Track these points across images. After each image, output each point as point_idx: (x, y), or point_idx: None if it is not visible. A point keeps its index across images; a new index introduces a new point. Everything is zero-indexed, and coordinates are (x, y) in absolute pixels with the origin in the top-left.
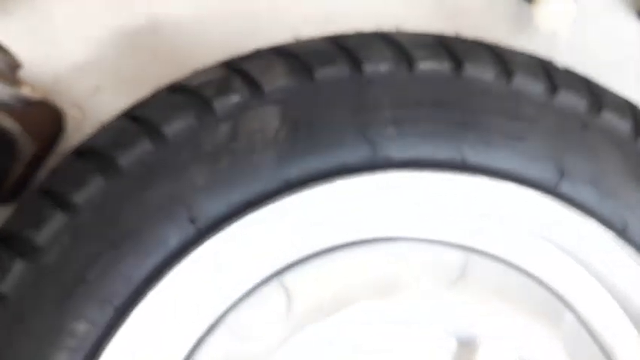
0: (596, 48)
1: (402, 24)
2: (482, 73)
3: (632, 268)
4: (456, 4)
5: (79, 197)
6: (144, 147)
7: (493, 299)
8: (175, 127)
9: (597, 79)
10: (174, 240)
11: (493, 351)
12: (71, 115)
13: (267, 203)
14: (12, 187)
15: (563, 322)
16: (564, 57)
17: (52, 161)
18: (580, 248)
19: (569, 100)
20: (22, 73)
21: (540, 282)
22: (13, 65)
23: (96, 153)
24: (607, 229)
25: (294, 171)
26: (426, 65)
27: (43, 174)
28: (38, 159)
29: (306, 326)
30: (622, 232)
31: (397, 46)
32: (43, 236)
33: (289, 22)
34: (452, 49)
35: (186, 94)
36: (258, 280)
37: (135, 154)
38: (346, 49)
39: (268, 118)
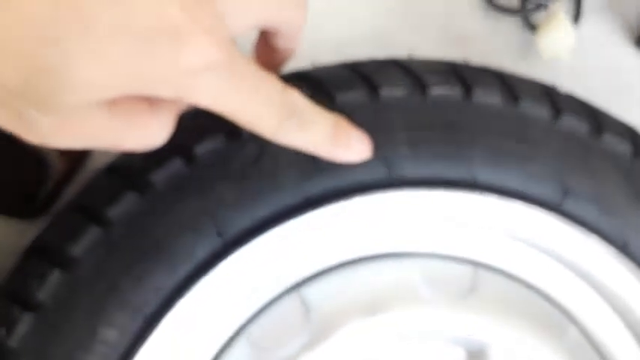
0: (596, 74)
1: (410, 50)
2: (491, 97)
3: (633, 282)
4: (461, 31)
5: (113, 212)
6: (176, 165)
7: (501, 312)
8: (206, 147)
9: (597, 103)
10: (202, 252)
11: None
12: None
13: (289, 218)
14: (42, 202)
15: (568, 336)
16: (566, 82)
17: (81, 178)
18: (583, 263)
19: (572, 123)
20: None
21: (545, 296)
22: None
23: (130, 170)
24: (609, 245)
25: (314, 188)
26: (438, 90)
27: (72, 190)
28: (67, 176)
29: (324, 337)
30: (623, 248)
31: (411, 72)
32: (78, 248)
33: (303, 49)
34: (462, 75)
35: (215, 117)
36: (278, 291)
37: (167, 171)
38: (364, 75)
39: None
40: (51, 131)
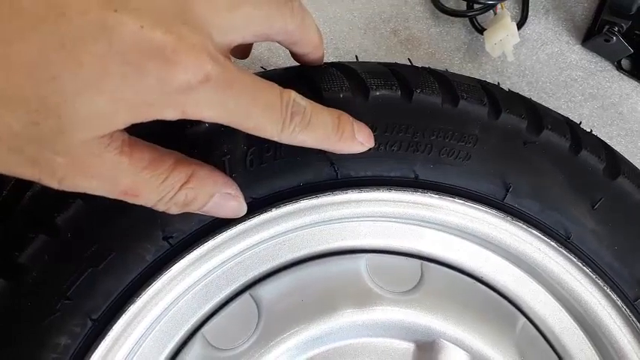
0: (542, 71)
1: (361, 54)
2: (431, 98)
3: (576, 274)
4: (410, 35)
5: (61, 219)
6: None
7: (449, 305)
8: None
9: (542, 99)
10: (150, 257)
11: (450, 354)
12: None
13: (237, 221)
14: None
15: (518, 327)
16: (513, 80)
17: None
18: (527, 257)
19: (512, 120)
20: None
21: (493, 289)
22: None
23: None
24: (551, 239)
25: (262, 191)
26: (379, 92)
27: (26, 198)
28: (22, 184)
29: (275, 336)
30: (565, 240)
31: (354, 75)
32: (25, 256)
33: (255, 52)
34: (403, 77)
35: (158, 122)
36: (229, 292)
37: None
38: (307, 78)
39: (236, 143)
40: (68, 172)
